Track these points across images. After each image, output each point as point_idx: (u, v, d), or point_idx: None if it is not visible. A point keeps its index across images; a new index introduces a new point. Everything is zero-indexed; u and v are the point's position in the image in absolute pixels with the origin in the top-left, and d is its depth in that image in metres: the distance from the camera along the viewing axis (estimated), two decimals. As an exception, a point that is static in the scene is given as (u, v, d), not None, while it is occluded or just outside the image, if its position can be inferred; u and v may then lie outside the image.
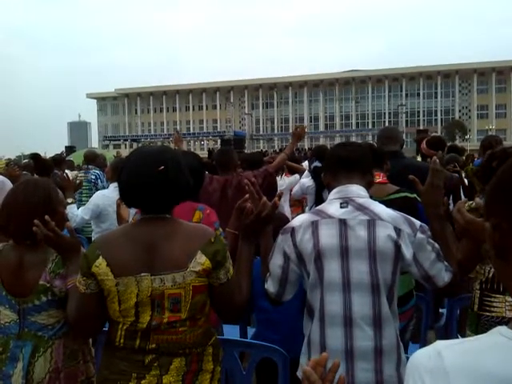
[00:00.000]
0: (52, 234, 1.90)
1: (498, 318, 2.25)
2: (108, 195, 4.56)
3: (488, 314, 2.28)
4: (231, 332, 2.94)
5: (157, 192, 1.66)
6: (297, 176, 6.09)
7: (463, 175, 5.45)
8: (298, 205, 7.04)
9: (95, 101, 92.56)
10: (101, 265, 1.63)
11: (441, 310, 3.65)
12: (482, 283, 2.33)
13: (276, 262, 1.95)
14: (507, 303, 2.24)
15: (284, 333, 2.49)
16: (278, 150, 27.05)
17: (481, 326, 2.29)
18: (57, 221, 1.94)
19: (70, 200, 4.29)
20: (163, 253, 1.63)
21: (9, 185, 4.26)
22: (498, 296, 2.26)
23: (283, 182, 5.85)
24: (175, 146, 5.36)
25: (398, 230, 1.83)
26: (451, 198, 4.57)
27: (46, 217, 1.89)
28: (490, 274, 2.30)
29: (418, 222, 1.87)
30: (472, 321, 2.37)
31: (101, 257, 1.63)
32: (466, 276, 2.21)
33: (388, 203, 2.03)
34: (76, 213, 4.44)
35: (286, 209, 5.91)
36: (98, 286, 1.65)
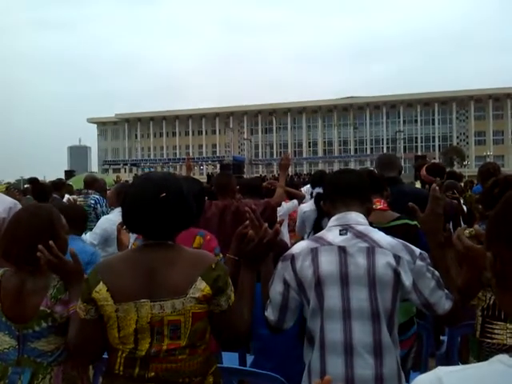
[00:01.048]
0: (55, 259, 1.91)
1: (499, 344, 2.24)
2: (114, 219, 4.56)
3: (489, 340, 2.26)
4: (230, 359, 2.91)
5: (158, 218, 1.66)
6: (295, 201, 6.06)
7: (462, 202, 5.46)
8: (297, 230, 7.01)
9: (95, 125, 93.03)
10: (101, 290, 1.62)
11: (442, 338, 3.62)
12: (484, 310, 2.32)
13: (276, 289, 1.95)
14: (508, 330, 2.23)
15: (280, 360, 2.47)
16: (276, 175, 27.11)
17: (482, 352, 2.27)
18: (59, 246, 1.95)
19: None
20: (163, 279, 1.63)
21: (19, 207, 4.26)
22: (499, 323, 2.25)
23: (281, 207, 5.83)
24: (187, 172, 5.47)
25: (397, 258, 1.83)
26: (451, 224, 4.58)
27: (51, 242, 1.89)
28: (492, 301, 2.29)
29: (417, 250, 1.88)
30: (474, 347, 2.36)
31: (101, 282, 1.63)
32: (467, 303, 2.21)
33: (388, 230, 2.04)
34: (84, 238, 4.44)
35: (285, 235, 5.88)
36: (98, 311, 1.64)
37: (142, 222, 1.69)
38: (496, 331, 2.25)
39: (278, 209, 5.60)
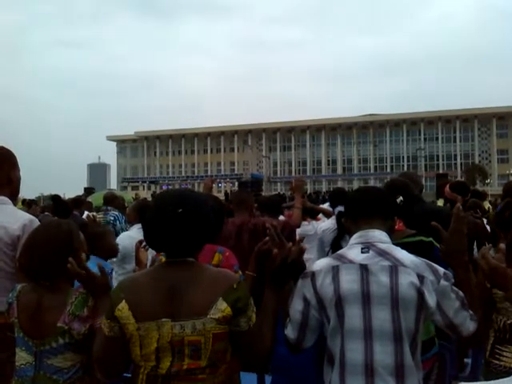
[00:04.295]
0: (84, 272, 1.92)
1: (505, 367, 2.24)
2: (134, 236, 4.57)
3: (497, 362, 2.27)
4: (249, 380, 2.86)
5: (176, 234, 1.65)
6: (325, 220, 5.98)
7: (485, 222, 5.38)
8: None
9: (115, 143, 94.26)
10: (123, 309, 1.62)
11: (465, 360, 3.54)
12: (495, 332, 2.31)
13: (296, 307, 1.91)
14: None
15: (299, 379, 2.43)
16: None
17: (489, 372, 2.27)
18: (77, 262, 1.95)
19: None
20: (185, 298, 1.61)
21: (37, 224, 4.32)
22: (509, 347, 2.25)
23: (312, 227, 5.76)
24: (205, 191, 5.48)
25: (420, 277, 1.79)
26: (475, 244, 4.51)
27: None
28: (502, 324, 2.28)
29: (441, 269, 1.83)
30: (484, 367, 2.37)
31: (124, 300, 1.62)
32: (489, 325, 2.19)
33: (402, 246, 1.99)
34: None
35: (312, 256, 5.69)
36: (121, 329, 1.63)
37: (161, 239, 1.69)
38: (505, 354, 2.26)
39: (308, 228, 5.59)
